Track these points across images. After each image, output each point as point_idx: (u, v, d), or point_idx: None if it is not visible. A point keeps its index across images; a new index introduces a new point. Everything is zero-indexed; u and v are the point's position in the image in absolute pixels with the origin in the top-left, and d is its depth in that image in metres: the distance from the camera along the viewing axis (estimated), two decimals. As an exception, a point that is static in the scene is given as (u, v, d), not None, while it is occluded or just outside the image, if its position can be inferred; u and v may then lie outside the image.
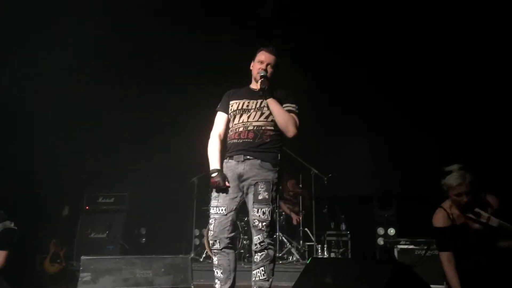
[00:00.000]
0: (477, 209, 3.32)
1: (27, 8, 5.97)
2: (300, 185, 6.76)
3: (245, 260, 6.03)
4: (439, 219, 3.55)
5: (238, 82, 3.33)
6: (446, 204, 3.57)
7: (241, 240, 6.13)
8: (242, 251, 6.10)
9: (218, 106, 3.44)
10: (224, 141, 3.36)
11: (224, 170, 3.26)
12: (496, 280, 3.25)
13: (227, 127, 3.38)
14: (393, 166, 7.00)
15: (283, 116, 3.17)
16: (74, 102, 6.89)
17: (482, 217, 3.27)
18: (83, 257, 3.37)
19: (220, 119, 3.41)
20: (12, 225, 4.71)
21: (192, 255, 6.37)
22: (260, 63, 3.30)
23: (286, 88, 3.37)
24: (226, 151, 3.30)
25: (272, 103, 3.19)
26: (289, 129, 3.16)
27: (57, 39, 6.36)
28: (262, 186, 3.09)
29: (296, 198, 6.81)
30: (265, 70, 3.27)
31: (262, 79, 3.21)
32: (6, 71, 6.19)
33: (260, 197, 3.08)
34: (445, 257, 3.43)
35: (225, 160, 3.29)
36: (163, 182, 7.32)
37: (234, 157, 3.21)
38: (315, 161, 6.64)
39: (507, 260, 3.31)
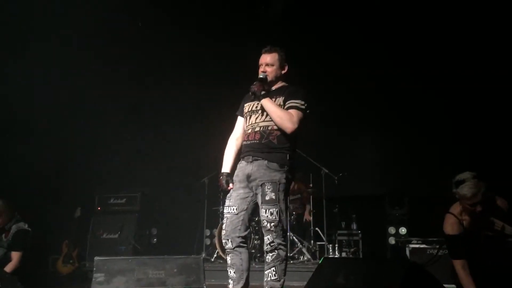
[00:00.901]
0: (491, 218, 3.28)
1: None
2: (311, 185, 6.75)
3: (256, 260, 6.04)
4: (450, 226, 3.50)
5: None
6: (456, 209, 3.51)
7: (252, 240, 6.14)
8: (253, 251, 6.11)
9: (237, 111, 3.51)
10: (241, 145, 3.40)
11: (237, 170, 3.30)
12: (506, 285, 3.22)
13: (244, 131, 3.42)
14: (404, 165, 6.97)
15: (277, 114, 3.16)
16: (85, 103, 6.94)
17: (497, 225, 3.23)
18: (96, 258, 3.39)
19: (238, 123, 3.49)
20: (26, 226, 4.77)
21: (204, 255, 6.39)
22: (260, 66, 3.35)
23: (298, 85, 3.37)
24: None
25: (265, 103, 3.20)
26: (285, 126, 3.14)
27: (62, 33, 6.42)
28: (268, 187, 3.10)
29: (294, 194, 6.78)
30: (264, 72, 3.30)
31: (254, 82, 3.26)
32: (18, 70, 6.25)
33: (267, 198, 3.09)
34: (459, 265, 3.40)
35: (239, 162, 3.33)
36: (174, 183, 7.36)
37: (245, 158, 3.26)
38: (326, 161, 6.64)
39: None
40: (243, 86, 3.62)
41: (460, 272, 3.38)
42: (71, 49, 6.56)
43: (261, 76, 3.28)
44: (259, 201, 3.14)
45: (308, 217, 6.83)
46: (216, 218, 6.75)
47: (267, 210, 3.07)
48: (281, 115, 3.16)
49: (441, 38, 6.43)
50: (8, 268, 4.51)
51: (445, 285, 2.80)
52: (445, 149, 6.60)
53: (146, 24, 6.80)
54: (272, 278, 3.05)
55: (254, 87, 3.23)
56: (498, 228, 3.23)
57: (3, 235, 4.73)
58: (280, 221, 3.07)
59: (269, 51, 3.33)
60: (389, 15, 6.44)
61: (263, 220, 3.08)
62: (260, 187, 3.13)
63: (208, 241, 7.11)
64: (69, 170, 6.97)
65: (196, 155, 7.09)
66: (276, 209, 3.07)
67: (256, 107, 3.31)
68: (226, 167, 3.36)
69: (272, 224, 3.05)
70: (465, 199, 3.33)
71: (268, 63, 3.32)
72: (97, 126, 7.20)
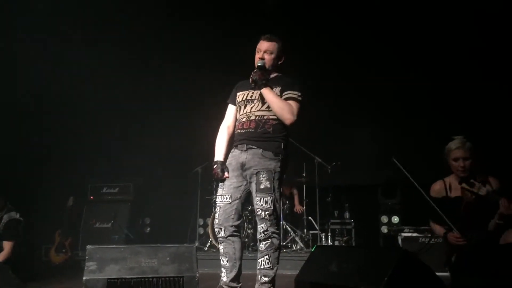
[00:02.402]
0: (472, 180, 3.32)
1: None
2: (304, 174, 6.75)
3: (250, 249, 6.06)
4: (434, 188, 3.68)
5: (247, 72, 3.30)
6: (448, 177, 3.65)
7: (245, 229, 6.15)
8: (246, 240, 6.12)
9: (228, 99, 3.48)
10: (233, 133, 3.39)
11: (229, 159, 3.29)
12: (483, 258, 3.24)
13: (236, 119, 3.40)
14: (397, 154, 6.97)
15: (278, 104, 3.15)
16: (78, 93, 6.89)
17: (475, 187, 3.26)
18: (88, 247, 3.37)
19: (229, 111, 3.45)
20: (18, 216, 4.76)
21: (197, 244, 6.40)
22: (258, 52, 3.31)
23: (293, 77, 3.36)
24: (233, 142, 3.33)
25: (265, 92, 3.18)
26: (285, 117, 3.14)
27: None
28: (263, 175, 3.10)
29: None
30: (262, 59, 3.26)
31: (255, 70, 3.22)
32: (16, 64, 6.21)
33: (262, 186, 3.08)
34: (435, 226, 3.61)
35: (231, 150, 3.32)
36: (167, 172, 7.34)
37: (238, 146, 3.25)
38: (319, 150, 6.65)
39: (495, 239, 3.31)
40: (235, 75, 3.61)
41: (436, 230, 3.60)
42: (62, 39, 6.50)
43: (259, 64, 3.24)
44: (253, 189, 3.13)
45: (298, 207, 6.85)
46: (209, 208, 6.75)
47: (262, 199, 3.07)
48: (282, 105, 3.14)
49: (440, 31, 6.43)
50: (0, 257, 4.50)
51: (437, 273, 2.81)
52: (439, 138, 6.59)
53: (137, 11, 6.72)
54: (265, 266, 3.07)
55: (256, 75, 3.19)
56: (475, 190, 3.25)
57: (-5, 225, 4.71)
58: (274, 209, 3.08)
59: (269, 39, 3.29)
60: (389, 7, 6.41)
61: (258, 208, 3.08)
62: (254, 175, 3.12)
63: (201, 231, 7.12)
64: (62, 159, 6.93)
65: (189, 144, 7.07)
66: (271, 198, 3.07)
67: (251, 96, 3.29)
68: (219, 156, 3.33)
69: (266, 212, 3.06)
70: (450, 153, 3.52)
71: (267, 50, 3.28)
72: (90, 115, 7.16)
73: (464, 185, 3.31)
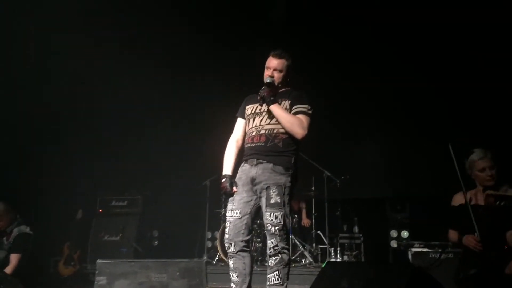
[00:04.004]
0: (499, 192, 3.31)
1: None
2: (312, 188, 6.73)
3: (258, 263, 6.03)
4: (455, 198, 3.64)
5: (258, 85, 3.31)
6: (471, 190, 3.61)
7: (253, 243, 6.12)
8: (254, 254, 6.09)
9: (237, 112, 3.48)
10: (241, 147, 3.38)
11: (239, 173, 3.28)
12: (501, 277, 3.20)
13: (244, 133, 3.40)
14: (406, 168, 6.95)
15: (287, 120, 3.15)
16: (88, 106, 6.94)
17: (502, 189, 3.27)
18: (98, 261, 3.38)
19: (238, 125, 3.45)
20: (28, 229, 4.78)
21: (205, 258, 6.38)
22: (267, 69, 3.31)
23: (301, 90, 3.36)
24: (242, 156, 3.32)
25: (274, 109, 3.18)
26: (296, 131, 3.14)
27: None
28: (274, 190, 3.09)
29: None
30: (271, 76, 3.27)
31: (263, 87, 3.23)
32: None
33: (272, 201, 3.07)
34: (452, 233, 3.56)
35: (241, 164, 3.31)
36: (176, 185, 7.34)
37: (248, 160, 3.24)
38: (328, 164, 6.63)
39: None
40: (244, 89, 3.62)
41: (452, 237, 3.56)
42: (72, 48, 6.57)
43: (268, 81, 3.25)
44: (263, 204, 3.12)
45: (306, 221, 6.83)
46: (217, 221, 6.73)
47: (272, 214, 3.05)
48: (291, 120, 3.15)
49: (449, 40, 6.41)
50: (8, 270, 4.51)
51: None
52: (448, 152, 6.57)
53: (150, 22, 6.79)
54: (275, 282, 3.04)
55: (264, 92, 3.19)
56: (501, 193, 3.25)
57: (5, 238, 4.73)
58: (284, 225, 3.06)
59: (279, 56, 3.28)
60: (403, 21, 6.40)
61: (267, 223, 3.06)
62: (265, 190, 3.11)
63: (209, 244, 7.09)
64: (71, 172, 6.96)
65: (197, 158, 7.08)
66: (281, 213, 3.05)
67: (260, 109, 3.30)
68: (227, 170, 3.32)
69: (276, 227, 3.04)
70: (475, 164, 3.52)
71: (276, 68, 3.28)
72: (99, 128, 7.20)
73: (489, 191, 3.32)
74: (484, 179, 3.49)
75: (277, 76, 3.28)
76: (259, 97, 3.22)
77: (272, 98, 3.19)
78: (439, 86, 6.65)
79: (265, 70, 3.32)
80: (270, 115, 3.23)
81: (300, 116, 3.19)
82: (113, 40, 6.73)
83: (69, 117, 7.00)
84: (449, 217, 3.62)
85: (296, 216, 6.64)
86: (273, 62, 3.29)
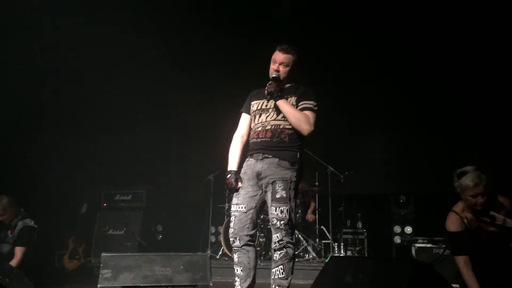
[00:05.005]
0: (492, 212, 3.27)
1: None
2: (317, 183, 6.74)
3: (261, 257, 6.04)
4: (453, 224, 3.49)
5: (262, 80, 3.31)
6: (458, 207, 3.51)
7: (257, 238, 6.14)
8: (258, 248, 6.10)
9: (242, 108, 3.47)
10: (246, 142, 3.38)
11: (245, 168, 3.28)
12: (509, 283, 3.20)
13: (250, 128, 3.40)
14: (410, 164, 6.95)
15: (295, 115, 3.16)
16: (93, 100, 6.96)
17: (497, 219, 3.21)
18: (103, 254, 3.39)
19: (243, 120, 3.45)
20: (32, 223, 4.80)
21: (209, 252, 6.40)
22: (273, 63, 3.30)
23: (307, 86, 3.35)
24: (247, 151, 3.32)
25: (281, 104, 3.18)
26: (302, 128, 3.15)
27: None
28: (279, 185, 3.09)
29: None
30: (277, 70, 3.26)
31: (270, 82, 3.22)
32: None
33: (277, 196, 3.08)
34: (462, 261, 3.38)
35: (246, 159, 3.31)
36: (180, 180, 7.36)
37: (254, 155, 3.24)
38: (332, 159, 6.63)
39: None
40: (248, 84, 3.61)
41: (462, 269, 3.36)
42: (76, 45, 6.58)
43: (274, 76, 3.24)
44: (269, 199, 3.12)
45: (310, 216, 6.84)
46: (221, 216, 6.76)
47: (277, 208, 3.06)
48: (298, 116, 3.15)
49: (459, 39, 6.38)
50: (13, 263, 4.53)
51: (452, 285, 2.78)
52: (452, 148, 6.57)
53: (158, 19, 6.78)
54: (279, 276, 3.05)
55: (271, 87, 3.18)
56: (500, 222, 3.20)
57: (9, 232, 4.75)
58: (290, 219, 3.06)
59: (285, 51, 3.27)
60: (414, 15, 6.37)
61: (273, 218, 3.07)
62: (270, 184, 3.11)
63: (213, 238, 7.13)
64: (76, 166, 6.98)
65: (201, 152, 7.10)
66: (287, 207, 3.06)
67: (266, 105, 3.29)
68: (233, 165, 3.31)
69: (282, 222, 3.04)
70: (467, 189, 3.34)
71: (283, 62, 3.27)
72: (104, 122, 7.22)
73: (485, 218, 3.28)
74: (473, 204, 3.37)
75: (283, 70, 3.27)
76: (266, 92, 3.21)
77: (279, 94, 3.19)
78: (446, 83, 6.65)
79: (271, 64, 3.31)
80: (277, 111, 3.23)
81: (307, 112, 3.19)
82: (122, 31, 6.70)
83: (75, 111, 7.01)
84: (453, 244, 3.51)
85: (299, 211, 6.64)
86: (279, 56, 3.28)
